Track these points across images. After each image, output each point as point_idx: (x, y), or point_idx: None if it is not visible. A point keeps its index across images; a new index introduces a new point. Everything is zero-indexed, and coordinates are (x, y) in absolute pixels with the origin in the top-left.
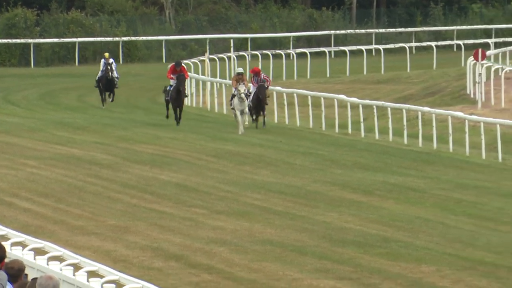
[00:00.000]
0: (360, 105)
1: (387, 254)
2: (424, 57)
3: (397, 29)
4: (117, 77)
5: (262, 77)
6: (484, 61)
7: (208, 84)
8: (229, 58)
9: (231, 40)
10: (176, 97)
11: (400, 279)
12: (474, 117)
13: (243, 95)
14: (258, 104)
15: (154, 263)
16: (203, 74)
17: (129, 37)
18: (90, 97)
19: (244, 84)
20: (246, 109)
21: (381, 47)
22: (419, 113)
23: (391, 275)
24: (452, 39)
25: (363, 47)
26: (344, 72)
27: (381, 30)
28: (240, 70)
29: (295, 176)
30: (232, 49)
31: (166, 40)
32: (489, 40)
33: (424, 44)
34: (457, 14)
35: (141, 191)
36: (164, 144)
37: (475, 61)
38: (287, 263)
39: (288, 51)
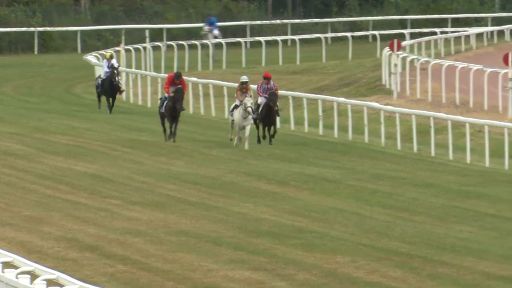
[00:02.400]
0: None
1: (302, 244)
2: (339, 47)
3: (312, 19)
4: (120, 82)
5: (272, 84)
6: (399, 52)
7: (124, 74)
8: (144, 48)
9: (147, 31)
10: (172, 113)
11: (315, 269)
12: (389, 107)
13: (250, 109)
14: (268, 115)
15: (69, 254)
16: (119, 64)
17: (44, 28)
18: (5, 87)
19: (249, 95)
20: (249, 126)
21: (296, 37)
22: (335, 104)
23: (306, 265)
24: (367, 30)
25: (278, 38)
26: (260, 62)
27: (296, 21)
28: (245, 78)
29: (210, 167)
30: (147, 39)
31: (81, 31)
32: (404, 31)
33: (340, 34)
34: (372, 4)
35: (56, 181)
36: (79, 135)
37: (390, 51)
38: (202, 254)
39: (204, 41)
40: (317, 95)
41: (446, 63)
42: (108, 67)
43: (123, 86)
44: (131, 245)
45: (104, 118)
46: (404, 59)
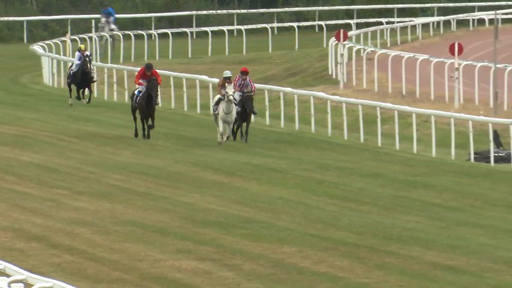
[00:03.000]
0: None
1: (249, 235)
2: (286, 37)
3: (259, 9)
4: (93, 70)
5: (248, 80)
6: (346, 42)
7: (70, 65)
8: (90, 38)
9: (93, 21)
10: (145, 106)
11: (262, 259)
12: (336, 97)
13: (231, 97)
14: (244, 117)
15: (15, 244)
16: (65, 55)
17: None
18: None
19: (232, 85)
20: (233, 118)
21: (243, 27)
22: (281, 94)
23: (253, 256)
24: (314, 20)
25: (225, 28)
26: (206, 52)
27: (243, 11)
28: (228, 73)
29: (157, 157)
30: (93, 29)
31: (27, 21)
32: (350, 21)
33: (286, 24)
34: None
35: (2, 172)
36: (26, 125)
37: (336, 41)
38: (149, 244)
39: (150, 31)
40: (264, 85)
41: (393, 53)
42: (79, 59)
43: (95, 75)
44: (78, 235)
45: (51, 108)
46: (350, 49)
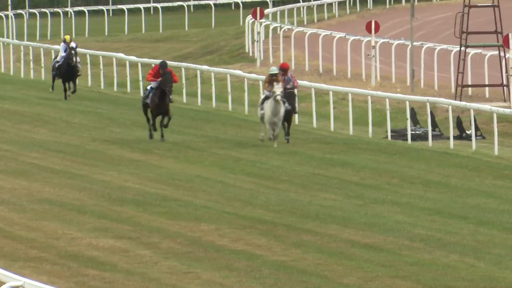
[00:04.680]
0: (139, 64)
1: (167, 213)
2: (202, 15)
3: None
4: (79, 63)
5: (290, 76)
6: (262, 20)
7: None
8: (7, 16)
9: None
10: (158, 102)
11: (179, 237)
12: (253, 75)
13: (279, 97)
14: (286, 115)
15: None
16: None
17: None
18: None
19: (280, 83)
20: (280, 123)
21: (159, 5)
22: (198, 72)
23: (171, 233)
24: None
25: (141, 6)
26: (123, 30)
27: None
28: (274, 70)
29: (73, 135)
30: (10, 7)
31: None
32: None
33: (203, 2)
34: None
35: None
36: None
37: (253, 19)
38: (66, 222)
39: (66, 9)
40: (180, 63)
41: (309, 31)
42: (65, 51)
43: (80, 68)
44: None
45: None
46: (267, 27)
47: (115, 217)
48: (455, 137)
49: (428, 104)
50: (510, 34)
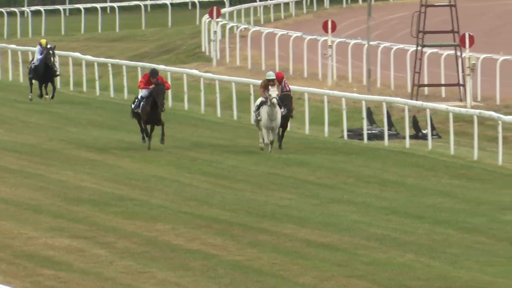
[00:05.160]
0: (95, 63)
1: (123, 212)
2: (159, 15)
3: None
4: (56, 64)
5: (283, 84)
6: (219, 19)
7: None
8: None
9: None
10: (150, 110)
11: (135, 237)
12: (209, 75)
13: (275, 100)
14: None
15: None
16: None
17: None
18: None
19: (275, 87)
20: (278, 123)
21: (115, 4)
22: None
23: (127, 233)
24: None
25: (98, 5)
26: (79, 30)
27: None
28: (271, 75)
29: (30, 135)
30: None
31: None
32: None
33: (160, 2)
34: None
35: None
36: None
37: (210, 19)
38: (22, 221)
39: (23, 8)
40: (137, 63)
41: (266, 30)
42: (41, 53)
43: (58, 69)
44: None
45: None
46: (223, 26)
47: (71, 216)
48: (411, 137)
49: (384, 103)
50: (466, 34)
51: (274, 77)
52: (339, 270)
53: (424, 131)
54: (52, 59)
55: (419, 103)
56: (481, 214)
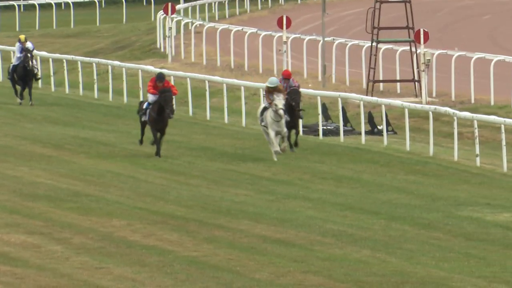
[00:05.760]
0: (50, 59)
1: (78, 208)
2: (114, 11)
3: None
4: (36, 67)
5: (292, 81)
6: (174, 15)
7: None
8: None
9: None
10: (156, 117)
11: (91, 233)
12: (164, 71)
13: (281, 111)
14: (289, 116)
15: None
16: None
17: None
18: None
19: (281, 94)
20: (284, 129)
21: (70, 0)
22: (110, 67)
23: (82, 229)
24: None
25: (52, 1)
26: (34, 26)
27: None
28: (274, 82)
29: None
30: None
31: None
32: None
33: None
34: None
35: None
36: None
37: (165, 15)
38: None
39: None
40: (92, 59)
41: (221, 26)
42: (20, 52)
43: (39, 72)
44: None
45: None
46: (178, 22)
47: (27, 212)
48: (366, 133)
49: (339, 99)
50: (421, 30)
51: (276, 85)
52: (295, 266)
53: (379, 127)
54: (30, 62)
55: (374, 99)
56: (437, 210)
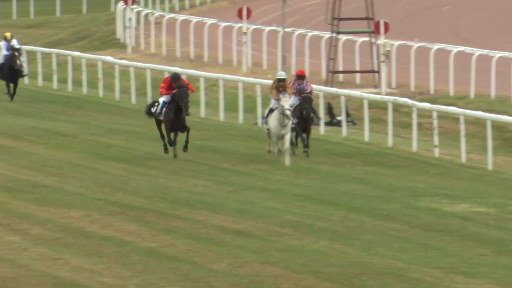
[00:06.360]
0: None
1: (37, 199)
2: (74, 1)
3: None
4: (23, 65)
5: (305, 83)
6: (134, 6)
7: None
8: None
9: None
10: (174, 117)
11: (49, 224)
12: (124, 61)
13: (288, 112)
14: (300, 120)
15: None
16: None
17: None
18: None
19: (287, 94)
20: (288, 135)
21: None
22: (69, 58)
23: (41, 220)
24: None
25: None
26: None
27: None
28: (282, 75)
29: None
30: None
31: None
32: None
33: None
34: None
35: None
36: None
37: (125, 5)
38: None
39: None
40: (52, 49)
41: (181, 17)
42: (8, 49)
43: (25, 69)
44: None
45: None
46: (139, 13)
47: None
48: (326, 123)
49: None
50: (381, 21)
51: (285, 77)
52: (253, 256)
53: (338, 118)
54: (18, 61)
55: (334, 89)
56: (395, 201)
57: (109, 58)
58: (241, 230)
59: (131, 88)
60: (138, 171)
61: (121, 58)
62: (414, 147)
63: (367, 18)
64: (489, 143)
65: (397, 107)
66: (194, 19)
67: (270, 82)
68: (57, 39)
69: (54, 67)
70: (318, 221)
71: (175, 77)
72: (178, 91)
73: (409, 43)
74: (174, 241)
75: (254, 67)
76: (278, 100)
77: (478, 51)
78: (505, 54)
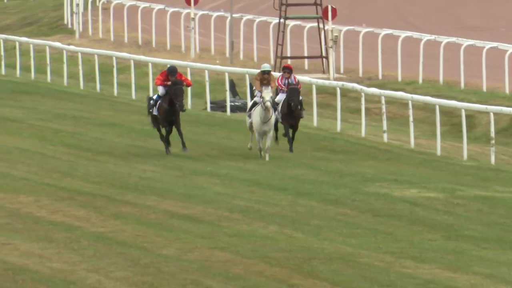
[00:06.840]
0: None
1: None
2: None
3: None
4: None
5: (293, 78)
6: None
7: None
8: None
9: None
10: (168, 108)
11: None
12: (72, 47)
13: (268, 104)
14: (289, 114)
15: None
16: None
17: None
18: None
19: (269, 87)
20: (271, 132)
21: None
22: (17, 44)
23: None
24: None
25: None
26: None
27: None
28: (267, 67)
29: None
30: None
31: None
32: None
33: None
34: None
35: None
36: None
37: None
38: None
39: None
40: None
41: (128, 3)
42: None
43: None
44: None
45: None
46: None
47: None
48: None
49: (247, 75)
50: (329, 6)
51: (270, 69)
52: (202, 242)
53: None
54: None
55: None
56: (344, 186)
57: (57, 44)
58: (190, 215)
59: (79, 73)
60: (86, 157)
61: (69, 44)
62: (363, 132)
63: (315, 4)
64: (438, 128)
65: (345, 92)
66: (142, 4)
67: (219, 67)
68: (4, 25)
69: (2, 52)
70: (267, 206)
71: (172, 70)
72: (173, 88)
73: (357, 28)
74: (124, 227)
75: (202, 52)
76: (260, 91)
77: (426, 37)
78: (453, 39)
